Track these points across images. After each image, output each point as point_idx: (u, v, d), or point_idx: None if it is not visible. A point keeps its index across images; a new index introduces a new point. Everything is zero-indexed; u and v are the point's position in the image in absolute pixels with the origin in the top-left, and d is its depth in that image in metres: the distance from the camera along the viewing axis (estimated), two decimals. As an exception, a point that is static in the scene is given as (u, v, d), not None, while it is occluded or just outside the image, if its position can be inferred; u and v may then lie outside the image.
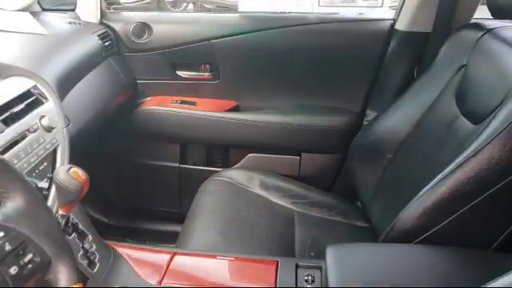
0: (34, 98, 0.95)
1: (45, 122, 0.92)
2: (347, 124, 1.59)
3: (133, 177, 1.76)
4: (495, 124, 0.87)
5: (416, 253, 0.91)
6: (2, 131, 0.82)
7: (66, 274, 0.57)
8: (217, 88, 1.68)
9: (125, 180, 1.76)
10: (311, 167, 1.66)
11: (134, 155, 1.72)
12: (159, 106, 1.64)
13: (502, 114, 0.87)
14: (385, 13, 1.56)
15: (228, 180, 1.45)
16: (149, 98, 1.69)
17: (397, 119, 1.32)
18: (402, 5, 1.47)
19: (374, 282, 0.84)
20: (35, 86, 0.98)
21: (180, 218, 1.36)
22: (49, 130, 0.93)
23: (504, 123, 0.85)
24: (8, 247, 0.51)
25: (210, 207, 1.34)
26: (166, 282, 0.89)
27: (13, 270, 0.50)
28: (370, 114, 1.57)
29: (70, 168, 0.71)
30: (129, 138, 1.68)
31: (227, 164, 1.69)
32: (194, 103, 1.66)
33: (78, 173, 0.71)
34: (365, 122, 1.58)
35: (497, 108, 0.91)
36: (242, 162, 1.67)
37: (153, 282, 0.88)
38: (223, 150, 1.73)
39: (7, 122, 0.85)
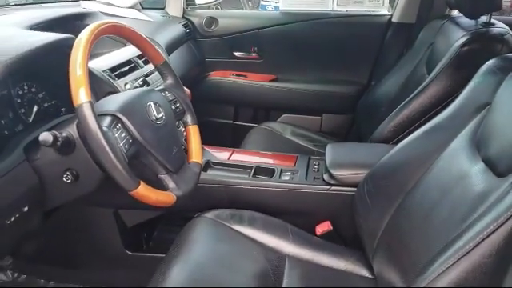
0: (154, 53, 1.55)
1: (161, 66, 1.52)
2: (357, 92, 2.07)
3: None
4: (435, 71, 1.39)
5: (387, 147, 1.32)
6: (143, 67, 1.43)
7: (191, 119, 1.16)
8: (262, 65, 2.17)
9: None
10: (330, 124, 2.15)
11: (199, 114, 2.25)
12: (220, 77, 2.19)
13: (440, 65, 1.38)
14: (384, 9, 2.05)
15: (268, 128, 1.93)
16: (213, 72, 2.20)
17: (388, 84, 1.77)
18: (396, 4, 1.97)
19: (355, 161, 1.34)
20: (154, 46, 1.59)
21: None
22: (163, 71, 1.53)
23: (438, 70, 1.37)
24: (170, 98, 1.09)
25: (253, 143, 1.83)
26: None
27: (173, 108, 1.09)
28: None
29: None
30: (196, 101, 2.21)
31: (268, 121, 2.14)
32: (245, 76, 2.18)
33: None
34: (369, 90, 2.03)
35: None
36: (279, 119, 2.17)
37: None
38: (265, 111, 2.24)
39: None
